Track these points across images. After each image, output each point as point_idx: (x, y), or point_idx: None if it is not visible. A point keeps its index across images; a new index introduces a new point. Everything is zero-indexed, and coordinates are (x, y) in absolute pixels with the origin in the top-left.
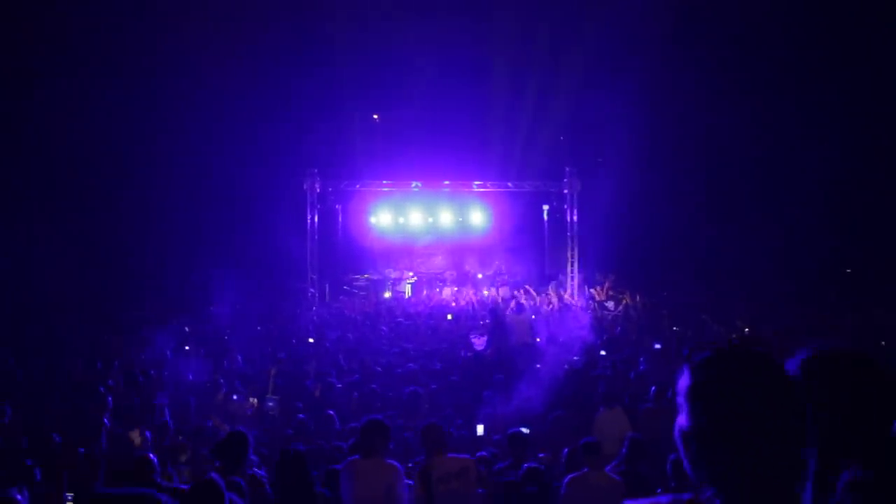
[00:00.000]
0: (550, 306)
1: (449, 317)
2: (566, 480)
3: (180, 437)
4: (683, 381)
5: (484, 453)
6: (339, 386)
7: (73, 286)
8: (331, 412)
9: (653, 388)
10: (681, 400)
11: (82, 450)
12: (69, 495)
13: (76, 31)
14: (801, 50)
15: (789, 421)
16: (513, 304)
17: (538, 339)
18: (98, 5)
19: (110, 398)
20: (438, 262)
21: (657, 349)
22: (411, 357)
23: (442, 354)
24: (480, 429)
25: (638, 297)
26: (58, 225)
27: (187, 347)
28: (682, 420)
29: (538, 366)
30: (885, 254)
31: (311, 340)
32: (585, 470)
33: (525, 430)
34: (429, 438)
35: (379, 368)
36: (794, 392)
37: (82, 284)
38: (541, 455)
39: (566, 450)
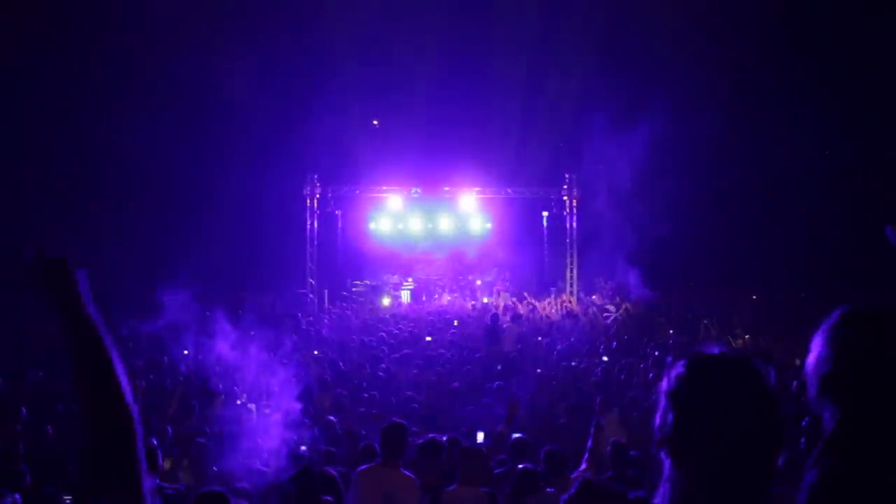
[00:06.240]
0: (562, 310)
1: (456, 322)
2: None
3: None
4: (663, 384)
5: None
6: (344, 392)
7: None
8: (332, 418)
9: (638, 392)
10: (661, 401)
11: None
12: (67, 499)
13: (75, 30)
14: (797, 53)
15: (759, 429)
16: (502, 308)
17: (518, 346)
18: (97, 4)
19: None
20: (437, 268)
21: (656, 356)
22: (411, 363)
23: (442, 361)
24: (480, 436)
25: (637, 304)
26: (59, 229)
27: (186, 351)
28: (658, 420)
29: (539, 371)
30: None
31: (315, 353)
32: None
33: (517, 435)
34: (467, 463)
35: (380, 374)
36: (770, 402)
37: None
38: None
39: (542, 451)
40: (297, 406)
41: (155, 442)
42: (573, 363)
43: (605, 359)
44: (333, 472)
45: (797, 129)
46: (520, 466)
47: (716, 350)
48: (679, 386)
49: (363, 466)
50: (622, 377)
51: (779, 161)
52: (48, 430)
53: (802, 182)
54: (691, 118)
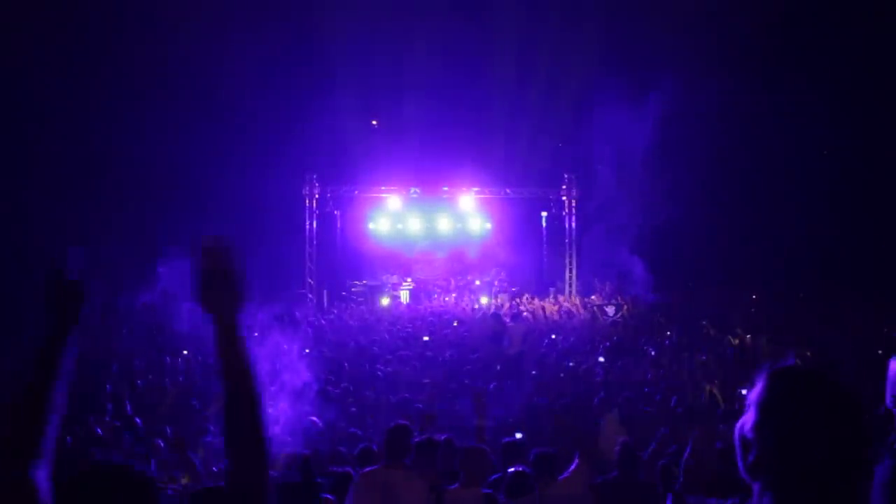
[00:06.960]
0: (562, 310)
1: (455, 323)
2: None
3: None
4: (756, 390)
5: None
6: (337, 392)
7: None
8: (315, 419)
9: (634, 393)
10: (751, 407)
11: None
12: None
13: (75, 30)
14: (796, 53)
15: (851, 443)
16: (506, 307)
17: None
18: (98, 4)
19: (110, 405)
20: (436, 268)
21: (653, 356)
22: (410, 363)
23: (441, 361)
24: None
25: (636, 304)
26: (58, 229)
27: (185, 352)
28: (746, 426)
29: (533, 372)
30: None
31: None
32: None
33: (518, 436)
34: (470, 463)
35: (379, 374)
36: (860, 418)
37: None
38: None
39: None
40: (306, 390)
41: (161, 444)
42: (570, 364)
43: (601, 359)
44: (352, 472)
45: (797, 129)
46: (510, 470)
47: (796, 362)
48: (778, 403)
49: (368, 468)
50: (620, 377)
51: (779, 161)
52: None
53: (802, 182)
54: (690, 118)
